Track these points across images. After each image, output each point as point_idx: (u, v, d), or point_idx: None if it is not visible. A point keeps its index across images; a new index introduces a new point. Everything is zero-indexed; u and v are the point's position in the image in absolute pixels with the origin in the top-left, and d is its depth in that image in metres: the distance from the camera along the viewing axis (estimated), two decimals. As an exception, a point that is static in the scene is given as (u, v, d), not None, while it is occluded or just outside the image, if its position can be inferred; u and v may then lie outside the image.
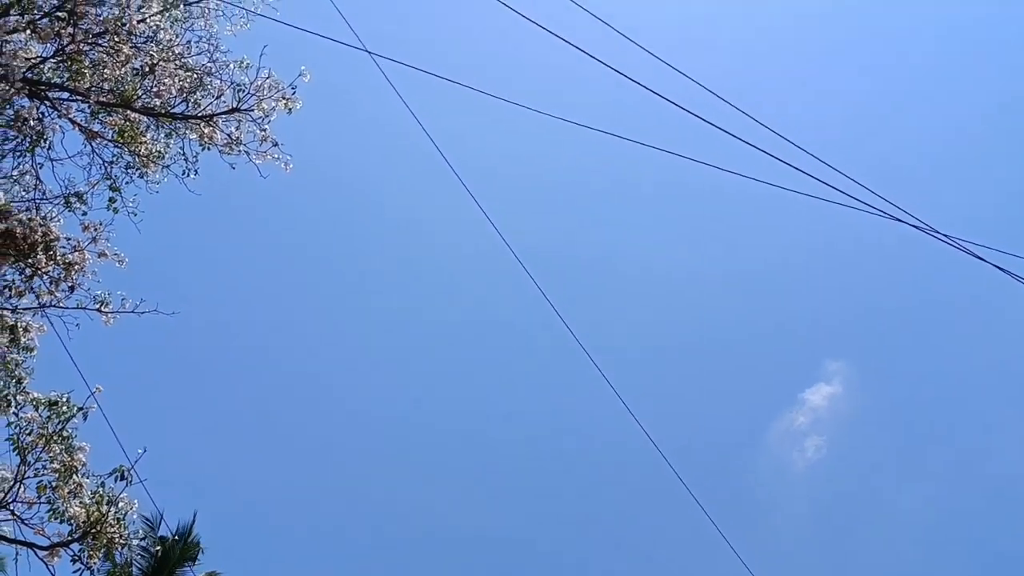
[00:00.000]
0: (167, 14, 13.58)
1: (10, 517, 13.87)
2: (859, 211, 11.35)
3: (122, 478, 14.03)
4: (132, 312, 14.49)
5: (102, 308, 14.38)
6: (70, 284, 14.10)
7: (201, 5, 13.76)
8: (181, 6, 13.75)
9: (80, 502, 13.80)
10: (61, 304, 14.13)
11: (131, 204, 14.35)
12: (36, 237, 14.00)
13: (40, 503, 13.87)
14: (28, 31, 12.86)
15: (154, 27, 13.49)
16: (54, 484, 13.75)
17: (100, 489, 13.94)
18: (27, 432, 13.74)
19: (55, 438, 13.67)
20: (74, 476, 13.78)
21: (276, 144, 13.78)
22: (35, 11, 12.97)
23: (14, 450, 13.70)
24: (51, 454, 13.74)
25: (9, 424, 13.82)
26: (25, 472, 13.71)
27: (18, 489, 13.75)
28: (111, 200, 14.31)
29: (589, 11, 12.07)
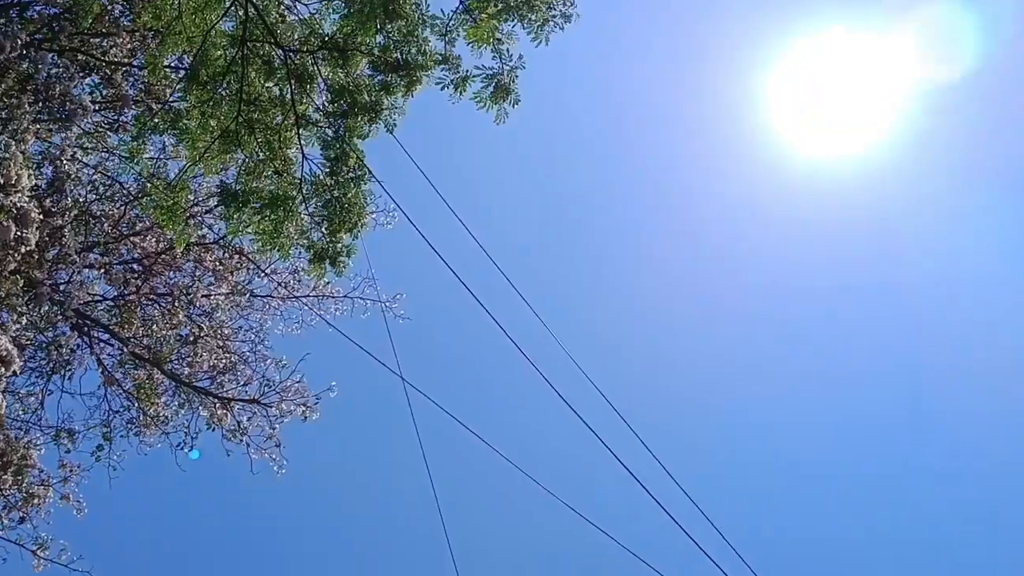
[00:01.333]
0: (232, 298, 14.26)
1: None
2: None
3: None
4: (64, 565, 13.64)
5: (38, 551, 13.60)
6: (22, 515, 13.48)
7: (264, 299, 14.48)
8: (248, 295, 14.45)
9: None
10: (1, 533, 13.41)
11: (116, 458, 14.11)
12: (13, 458, 13.67)
13: None
14: (102, 270, 13.58)
15: (214, 304, 14.13)
16: None
17: None
18: None
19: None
20: None
21: (279, 445, 13.72)
22: (115, 256, 13.80)
23: None
24: None
25: None
26: None
27: None
28: (99, 447, 14.12)
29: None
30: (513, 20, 8.46)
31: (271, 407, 13.78)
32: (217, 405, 14.04)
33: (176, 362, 14.17)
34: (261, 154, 8.55)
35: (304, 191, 8.45)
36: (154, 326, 14.00)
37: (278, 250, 8.27)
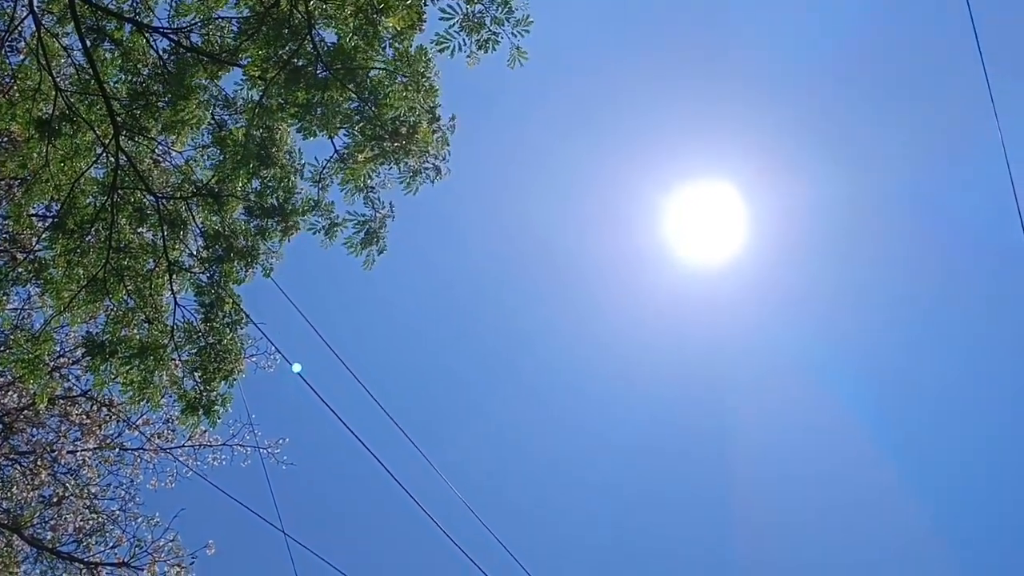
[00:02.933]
0: (100, 453, 13.54)
1: None
2: None
3: None
4: None
5: None
6: None
7: (135, 452, 13.79)
8: (117, 450, 13.75)
9: None
10: None
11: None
12: None
13: None
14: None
15: (81, 460, 13.37)
16: None
17: None
18: None
19: None
20: None
21: (151, 611, 12.81)
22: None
23: None
24: None
25: None
26: None
27: None
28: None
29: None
30: (388, 165, 8.63)
31: (142, 570, 12.93)
32: (83, 571, 13.10)
33: (38, 526, 13.23)
34: (131, 302, 8.31)
35: (176, 339, 8.21)
36: (14, 488, 13.09)
37: (147, 401, 7.94)
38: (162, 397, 8.24)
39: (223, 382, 8.08)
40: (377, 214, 8.44)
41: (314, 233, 8.63)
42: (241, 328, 8.36)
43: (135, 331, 8.28)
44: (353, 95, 8.45)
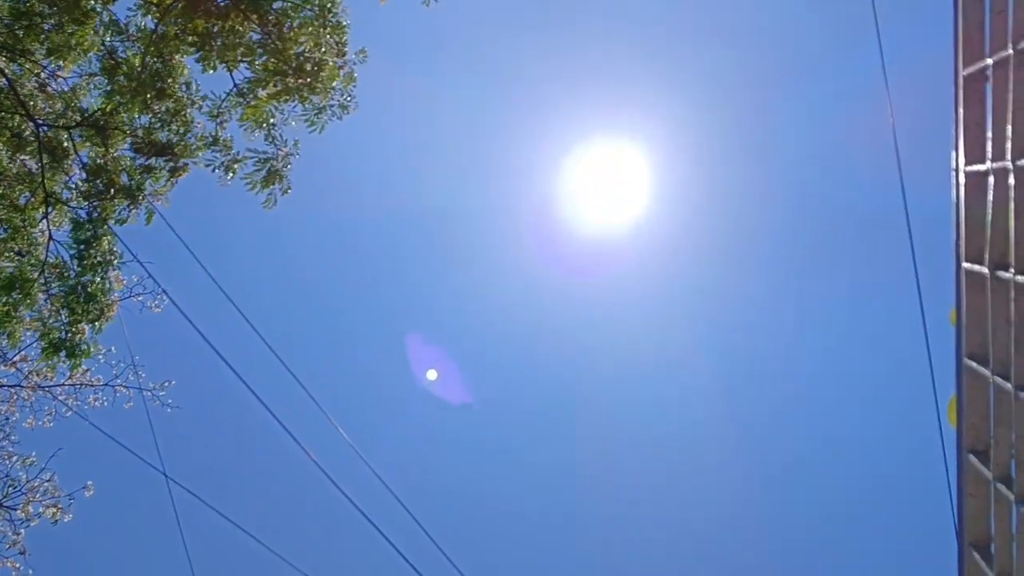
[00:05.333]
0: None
1: None
2: None
3: None
4: None
5: None
6: None
7: (11, 389, 13.16)
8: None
9: None
10: None
11: None
12: None
13: None
14: None
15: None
16: None
17: None
18: None
19: None
20: None
21: (24, 553, 12.33)
22: None
23: None
24: None
25: None
26: None
27: None
28: None
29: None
30: (293, 102, 8.27)
31: (16, 510, 12.41)
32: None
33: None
34: (3, 232, 7.81)
35: (47, 274, 7.76)
36: None
37: (7, 337, 7.50)
38: (22, 334, 7.78)
39: (91, 324, 7.67)
40: (279, 151, 8.07)
41: (213, 170, 8.23)
42: (115, 268, 7.94)
43: (4, 263, 7.80)
44: (256, 27, 8.06)
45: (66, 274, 7.71)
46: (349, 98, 8.12)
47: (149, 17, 8.08)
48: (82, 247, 7.70)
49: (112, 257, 7.74)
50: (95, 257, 7.65)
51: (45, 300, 7.77)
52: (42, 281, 7.68)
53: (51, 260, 7.80)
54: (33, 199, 7.94)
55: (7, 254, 7.70)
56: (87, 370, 12.07)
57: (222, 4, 7.98)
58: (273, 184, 7.91)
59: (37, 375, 12.27)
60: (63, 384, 12.37)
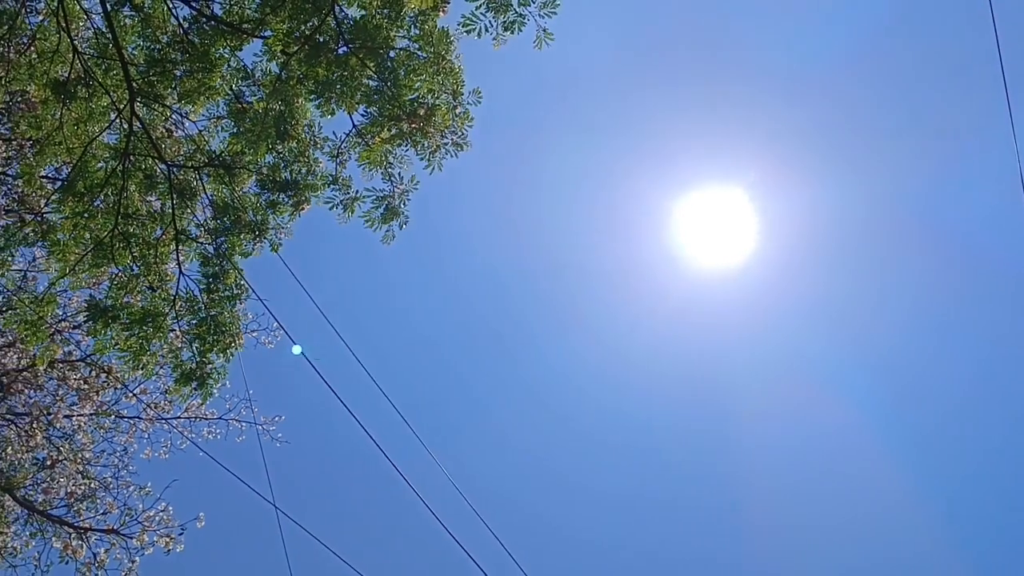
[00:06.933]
0: (95, 419, 13.48)
1: None
2: None
3: None
4: None
5: None
6: None
7: (131, 421, 13.73)
8: (113, 417, 13.69)
9: None
10: None
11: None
12: None
13: None
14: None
15: (76, 425, 13.31)
16: None
17: None
18: None
19: None
20: None
21: (138, 581, 12.76)
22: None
23: None
24: None
25: None
26: None
27: None
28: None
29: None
30: (406, 145, 8.52)
31: (132, 538, 12.87)
32: (72, 535, 13.05)
33: (30, 488, 13.18)
34: (135, 268, 8.22)
35: (177, 308, 8.12)
36: (9, 448, 13.04)
37: (142, 369, 7.85)
38: (158, 366, 8.15)
39: (220, 355, 7.99)
40: (396, 189, 8.32)
41: (331, 208, 8.52)
42: (241, 302, 8.27)
43: (138, 298, 8.19)
44: (373, 73, 8.35)
45: (196, 307, 8.07)
46: (463, 137, 8.32)
47: (274, 63, 8.45)
48: (210, 281, 8.07)
49: (239, 291, 8.07)
50: (223, 291, 8.00)
51: (176, 333, 8.12)
52: (172, 315, 8.04)
53: (181, 294, 8.17)
54: (163, 236, 8.34)
55: (140, 289, 8.10)
56: (201, 404, 12.50)
57: (341, 52, 8.30)
58: (391, 221, 8.15)
59: (155, 407, 12.76)
60: (179, 417, 12.82)
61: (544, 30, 7.79)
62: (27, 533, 13.39)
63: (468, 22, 7.78)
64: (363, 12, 8.05)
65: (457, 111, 8.27)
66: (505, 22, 7.74)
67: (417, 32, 7.95)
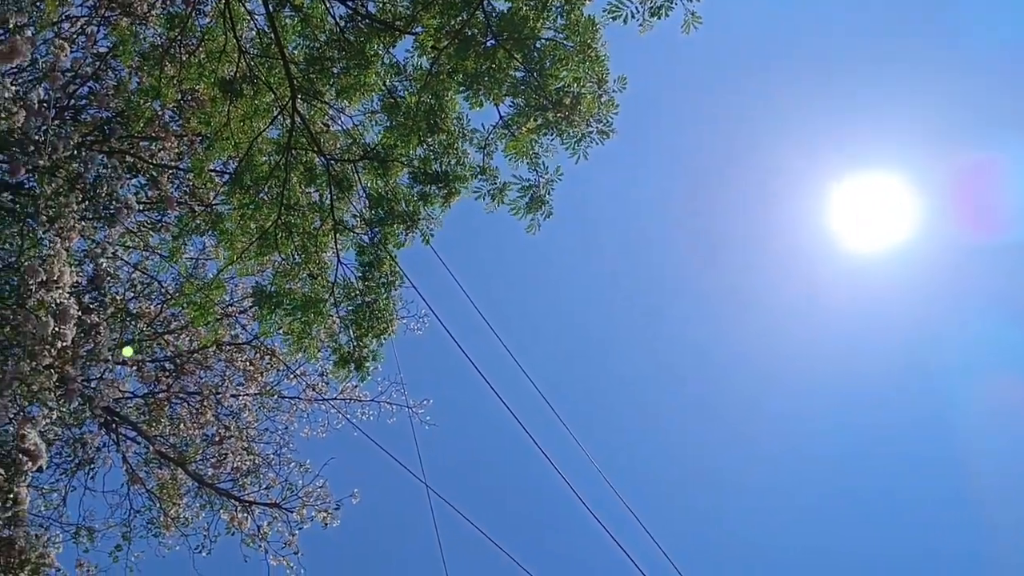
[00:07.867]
0: (259, 399, 14.25)
1: None
2: None
3: None
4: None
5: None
6: (35, 615, 13.20)
7: (291, 401, 14.44)
8: (276, 397, 14.43)
9: None
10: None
11: (133, 559, 13.91)
12: (31, 556, 13.49)
13: None
14: (134, 368, 13.65)
15: (242, 404, 14.10)
16: None
17: None
18: None
19: None
20: None
21: (297, 553, 13.44)
22: (147, 355, 13.90)
23: None
24: None
25: None
26: None
27: None
28: (117, 548, 13.91)
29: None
30: (551, 135, 8.62)
31: (292, 512, 13.56)
32: (238, 508, 13.85)
33: (200, 462, 14.08)
34: (297, 257, 8.68)
35: (336, 295, 8.52)
36: (181, 425, 13.97)
37: (304, 351, 8.30)
38: (318, 349, 8.58)
39: (375, 339, 8.35)
40: (541, 179, 8.44)
41: (479, 198, 8.74)
42: (395, 290, 8.60)
43: (299, 285, 8.65)
44: (519, 65, 8.48)
45: (353, 294, 8.46)
46: (608, 124, 8.34)
47: (424, 58, 8.70)
48: (365, 269, 8.44)
49: (394, 278, 8.40)
50: (378, 279, 8.35)
51: (335, 318, 8.53)
52: (331, 301, 8.45)
53: (339, 281, 8.57)
54: (322, 226, 8.76)
55: (300, 277, 8.55)
56: (356, 386, 13.03)
57: (489, 45, 8.45)
58: (536, 210, 8.28)
59: (313, 389, 13.38)
60: (335, 398, 13.41)
61: (692, 13, 7.69)
62: (197, 504, 14.30)
63: (614, 8, 7.76)
64: (510, 4, 8.18)
65: (602, 99, 8.29)
66: (652, 7, 7.68)
67: (563, 22, 8.00)
